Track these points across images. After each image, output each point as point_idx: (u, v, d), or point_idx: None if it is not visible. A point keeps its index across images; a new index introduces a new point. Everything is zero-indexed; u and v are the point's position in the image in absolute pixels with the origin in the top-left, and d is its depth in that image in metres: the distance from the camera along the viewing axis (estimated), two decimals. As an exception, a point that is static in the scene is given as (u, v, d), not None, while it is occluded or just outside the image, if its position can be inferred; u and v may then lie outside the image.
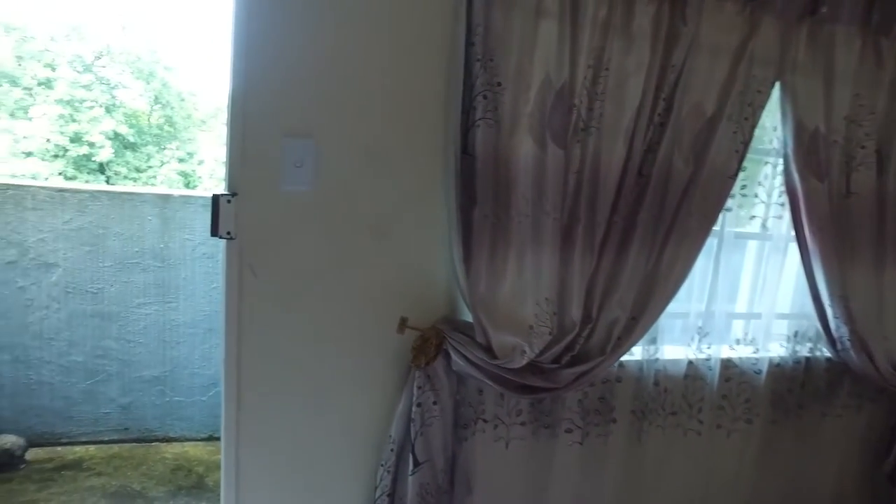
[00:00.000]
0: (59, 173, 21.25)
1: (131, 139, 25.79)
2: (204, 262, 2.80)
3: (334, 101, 1.39)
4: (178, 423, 2.94)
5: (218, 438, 2.91)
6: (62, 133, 21.53)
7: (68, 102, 22.83)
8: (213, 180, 26.63)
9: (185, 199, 2.70)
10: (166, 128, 29.19)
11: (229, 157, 1.38)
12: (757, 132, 1.65)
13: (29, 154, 19.66)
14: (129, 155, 26.35)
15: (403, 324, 1.45)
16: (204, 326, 2.86)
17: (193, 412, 2.94)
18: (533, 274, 1.47)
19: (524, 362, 1.46)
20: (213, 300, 2.85)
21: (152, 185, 24.36)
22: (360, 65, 1.39)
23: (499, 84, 1.41)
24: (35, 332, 2.72)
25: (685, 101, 1.54)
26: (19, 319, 2.69)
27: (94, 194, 2.65)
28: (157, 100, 27.45)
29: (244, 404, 1.45)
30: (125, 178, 25.04)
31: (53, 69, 22.32)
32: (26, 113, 20.52)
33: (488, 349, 1.45)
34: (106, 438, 2.87)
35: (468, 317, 1.51)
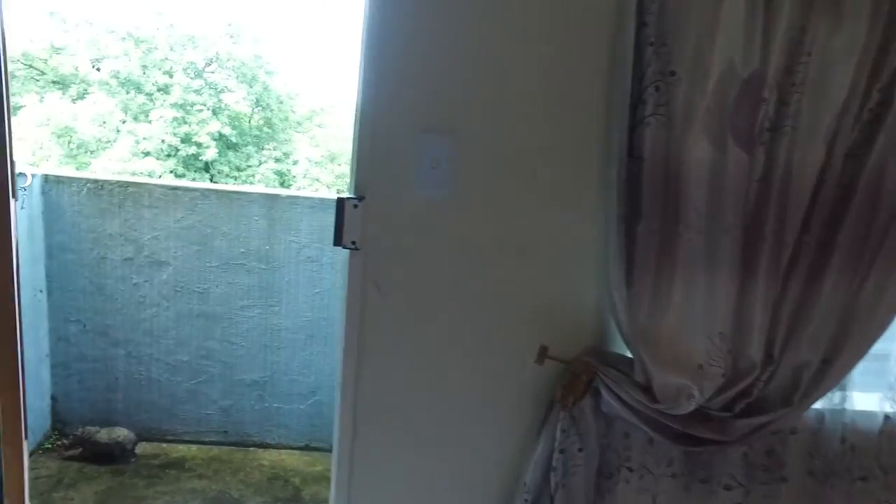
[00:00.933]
0: (171, 171, 22.84)
1: (234, 140, 27.35)
2: (308, 266, 2.73)
3: (475, 92, 1.20)
4: (275, 430, 2.88)
5: (315, 448, 2.83)
6: (174, 134, 23.14)
7: (181, 106, 24.53)
8: (306, 179, 27.71)
9: (292, 200, 2.64)
10: (265, 129, 30.75)
11: (357, 155, 1.23)
12: None
13: (147, 154, 21.29)
14: (230, 154, 27.97)
15: (544, 354, 1.24)
16: (305, 332, 2.79)
17: (291, 420, 2.88)
18: (705, 302, 1.21)
19: (691, 408, 1.21)
20: (315, 306, 2.77)
21: (251, 183, 25.71)
22: (508, 52, 1.19)
23: (672, 73, 1.17)
24: (146, 328, 2.75)
25: (909, 94, 1.23)
26: (133, 316, 2.73)
27: (205, 193, 2.64)
28: (257, 102, 28.96)
29: (360, 435, 1.29)
30: (227, 176, 26.53)
31: (171, 76, 24.07)
32: (147, 116, 22.24)
33: (648, 390, 1.21)
34: (207, 440, 2.86)
35: (619, 348, 1.28)
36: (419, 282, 1.25)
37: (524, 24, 1.18)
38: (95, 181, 2.57)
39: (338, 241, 1.24)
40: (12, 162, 2.04)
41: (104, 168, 19.57)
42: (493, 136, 1.21)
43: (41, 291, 2.64)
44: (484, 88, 1.20)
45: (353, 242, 1.24)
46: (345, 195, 1.24)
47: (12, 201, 1.99)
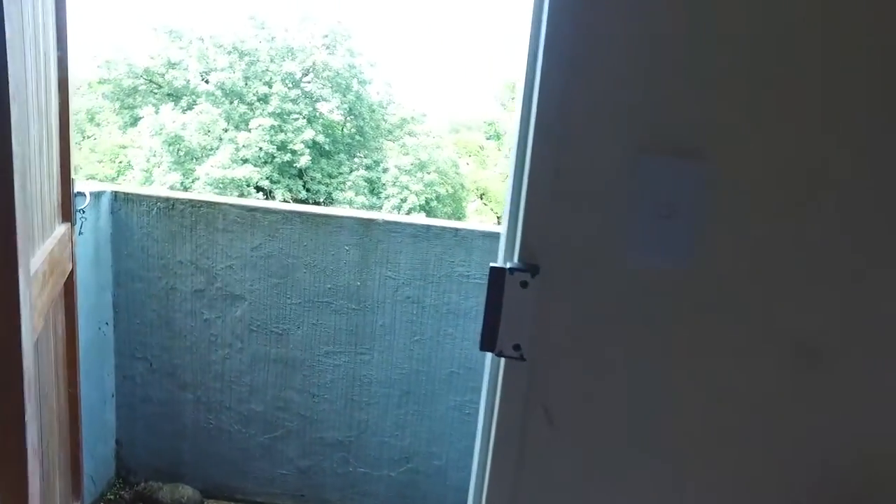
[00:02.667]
0: (267, 177, 23.71)
1: (327, 147, 28.12)
2: (406, 308, 2.22)
3: (744, 87, 0.62)
4: (360, 499, 2.39)
5: (407, 532, 2.31)
6: (271, 142, 24.04)
7: (279, 115, 25.50)
8: (395, 187, 27.97)
9: (390, 227, 2.14)
10: (357, 137, 31.44)
11: (526, 194, 0.68)
12: None
13: (245, 160, 22.25)
14: (323, 162, 28.80)
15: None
16: (400, 388, 2.28)
17: (379, 488, 2.38)
18: None
19: None
20: (414, 356, 2.26)
21: (341, 190, 26.24)
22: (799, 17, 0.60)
23: None
24: (217, 372, 2.35)
25: None
26: (204, 356, 2.34)
27: (287, 216, 2.20)
28: (350, 111, 29.64)
29: None
30: (319, 182, 27.31)
31: (270, 86, 25.13)
32: (247, 125, 23.28)
33: None
34: (279, 503, 2.42)
35: None
36: (618, 408, 0.68)
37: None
38: (167, 199, 2.20)
39: (489, 344, 0.70)
40: (71, 181, 1.69)
41: (207, 174, 20.50)
42: (771, 163, 0.63)
43: (107, 324, 2.31)
44: (758, 79, 0.61)
45: (517, 347, 0.68)
46: (503, 264, 0.69)
47: (65, 227, 1.63)
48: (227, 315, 2.29)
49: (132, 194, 2.23)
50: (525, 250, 0.68)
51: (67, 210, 1.64)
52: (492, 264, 0.69)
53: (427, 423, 2.31)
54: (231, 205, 2.20)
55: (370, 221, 2.16)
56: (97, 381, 2.30)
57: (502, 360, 0.70)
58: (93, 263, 2.19)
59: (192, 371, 2.35)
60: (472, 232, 2.14)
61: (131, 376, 2.39)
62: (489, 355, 0.74)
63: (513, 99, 14.41)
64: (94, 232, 2.19)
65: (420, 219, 2.09)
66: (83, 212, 1.98)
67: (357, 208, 24.73)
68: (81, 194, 1.89)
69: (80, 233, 2.02)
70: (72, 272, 1.69)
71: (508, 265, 0.68)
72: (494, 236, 2.16)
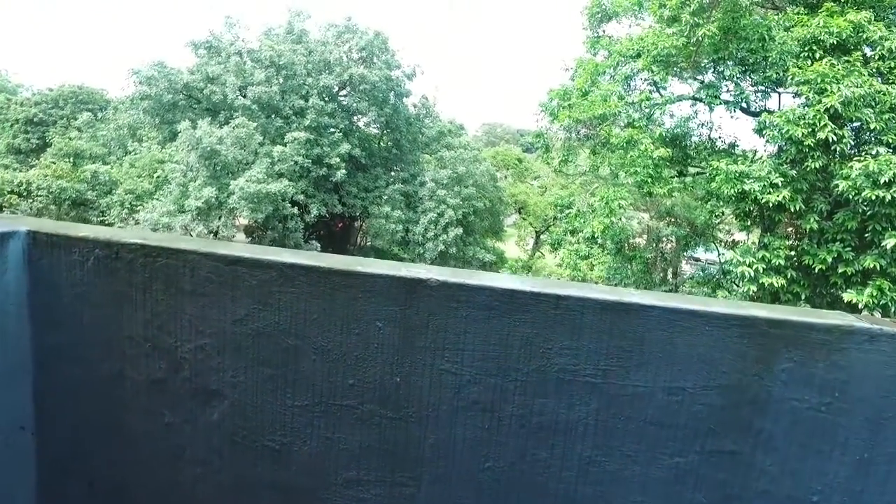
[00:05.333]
0: (302, 191, 23.29)
1: (363, 161, 27.66)
2: (474, 418, 1.39)
3: None
4: None
5: None
6: (307, 156, 23.69)
7: (315, 129, 25.19)
8: (432, 201, 27.17)
9: (450, 292, 1.31)
10: (394, 150, 30.90)
11: None
12: None
13: (281, 175, 21.95)
14: (359, 176, 28.34)
15: None
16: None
17: None
18: None
19: None
20: (485, 491, 1.42)
21: (377, 205, 25.64)
22: None
23: None
24: (185, 497, 1.56)
25: None
26: (166, 476, 1.55)
27: (286, 272, 1.39)
28: (387, 124, 29.16)
29: None
30: (355, 196, 26.80)
31: (306, 100, 24.91)
32: (283, 139, 23.03)
33: None
34: None
35: None
36: None
37: None
38: (108, 244, 1.44)
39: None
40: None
41: (241, 189, 20.18)
42: None
43: (22, 428, 1.55)
44: None
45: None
46: None
47: None
48: (198, 418, 1.50)
49: (58, 236, 1.47)
50: None
51: None
52: None
53: None
54: (203, 254, 1.42)
55: (417, 283, 1.34)
56: (13, 509, 1.54)
57: None
58: None
59: (149, 495, 1.57)
60: (583, 301, 1.30)
61: (62, 497, 1.62)
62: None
63: (543, 111, 13.53)
64: (1, 291, 1.44)
65: (498, 279, 1.22)
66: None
67: (393, 223, 24.14)
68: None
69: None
70: None
71: None
72: (622, 308, 1.32)
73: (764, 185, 9.10)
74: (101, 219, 23.29)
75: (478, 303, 1.33)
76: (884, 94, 9.29)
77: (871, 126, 9.32)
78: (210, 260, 1.41)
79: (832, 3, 9.85)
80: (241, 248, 1.44)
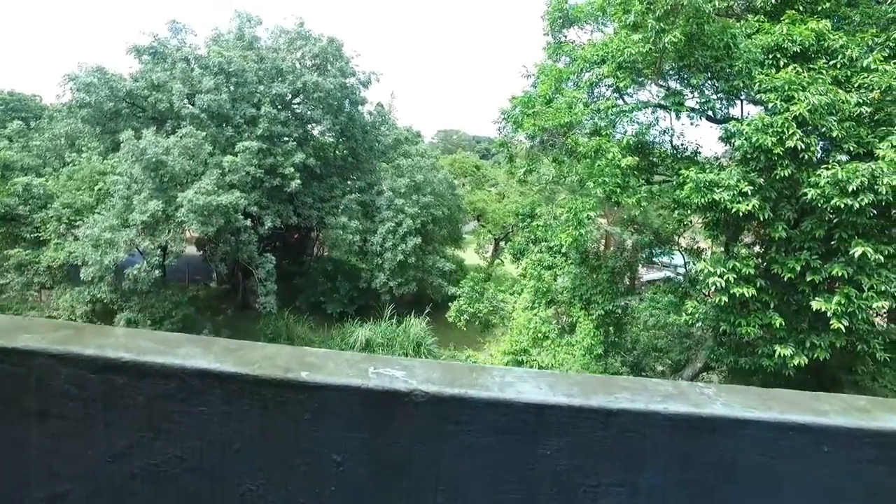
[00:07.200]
0: (255, 203, 22.32)
1: (318, 171, 26.82)
2: None
3: None
4: None
5: None
6: (259, 166, 22.72)
7: (267, 138, 24.24)
8: (390, 210, 26.59)
9: (442, 409, 0.82)
10: (350, 159, 30.19)
11: None
12: None
13: (232, 186, 20.95)
14: (315, 185, 27.47)
15: None
16: None
17: None
18: None
19: None
20: None
21: (333, 215, 24.89)
22: None
23: None
24: None
25: None
26: None
27: (189, 379, 0.87)
28: (342, 133, 28.46)
29: None
30: (311, 207, 25.95)
31: (258, 108, 23.94)
32: (234, 148, 22.01)
33: None
34: None
35: None
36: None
37: None
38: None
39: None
40: None
41: (190, 201, 19.12)
42: None
43: None
44: None
45: None
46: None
47: None
48: None
49: None
50: None
51: None
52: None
53: None
54: (57, 356, 0.87)
55: (394, 397, 0.83)
56: None
57: None
58: None
59: None
60: (645, 417, 0.82)
61: None
62: None
63: (506, 119, 13.25)
64: None
65: (516, 384, 0.68)
66: None
67: (350, 233, 23.42)
68: None
69: None
70: None
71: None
72: (702, 425, 0.85)
73: (734, 194, 8.98)
74: (36, 235, 21.70)
75: (486, 423, 0.83)
76: (843, 103, 9.33)
77: (834, 134, 9.33)
78: (68, 366, 0.86)
79: (793, 12, 9.89)
80: (121, 339, 0.90)
